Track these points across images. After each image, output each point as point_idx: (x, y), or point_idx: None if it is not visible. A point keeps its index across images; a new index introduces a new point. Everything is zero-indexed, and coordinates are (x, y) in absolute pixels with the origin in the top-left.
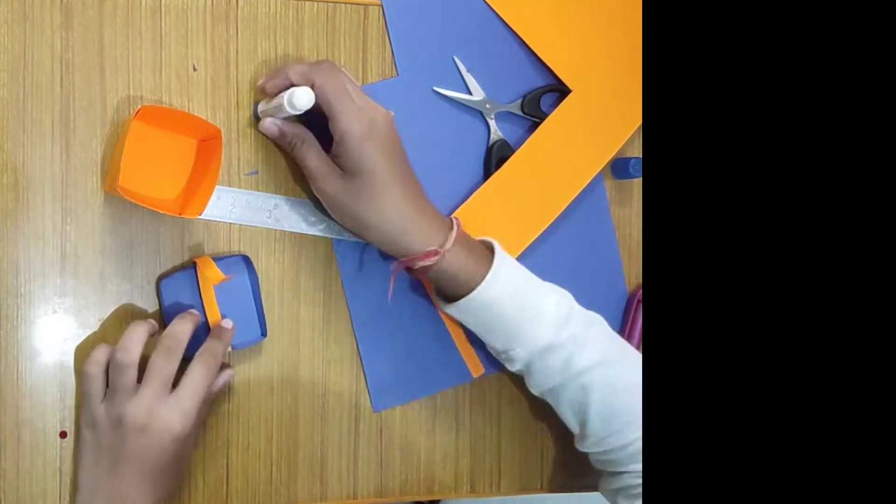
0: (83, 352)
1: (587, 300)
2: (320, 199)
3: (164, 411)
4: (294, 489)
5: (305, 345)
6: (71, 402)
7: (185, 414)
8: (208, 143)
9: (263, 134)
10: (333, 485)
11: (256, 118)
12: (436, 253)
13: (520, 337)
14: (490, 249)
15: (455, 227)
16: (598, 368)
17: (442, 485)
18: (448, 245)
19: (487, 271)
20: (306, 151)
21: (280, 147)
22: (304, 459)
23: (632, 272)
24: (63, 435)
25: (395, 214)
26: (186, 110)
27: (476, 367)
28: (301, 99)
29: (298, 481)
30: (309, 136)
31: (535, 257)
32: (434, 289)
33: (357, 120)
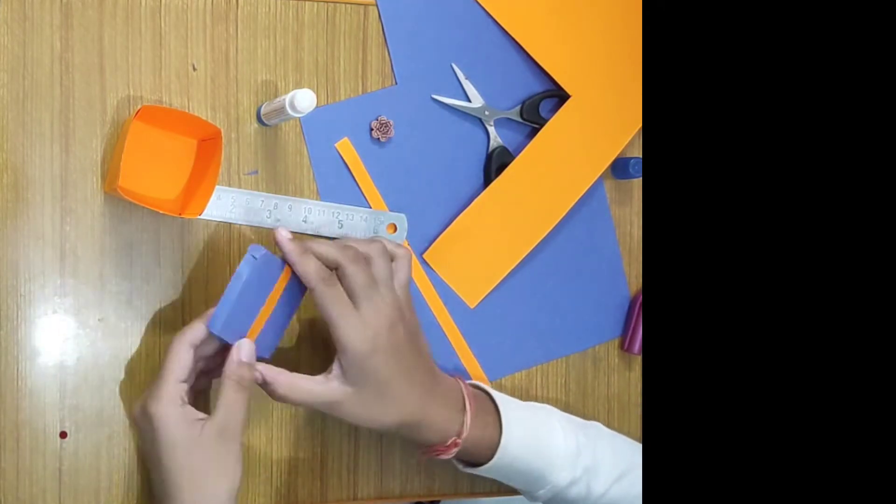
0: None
1: (588, 302)
2: (325, 410)
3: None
4: (294, 489)
5: (305, 345)
6: (71, 402)
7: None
8: (208, 143)
9: (248, 382)
10: (333, 485)
11: (259, 121)
12: (455, 445)
13: (541, 482)
14: (494, 405)
15: (468, 406)
16: (615, 486)
17: (442, 485)
18: (465, 432)
19: (498, 435)
20: (304, 385)
21: (278, 151)
22: (304, 460)
23: (632, 272)
24: (63, 435)
25: (412, 410)
26: (186, 110)
27: (482, 381)
28: (303, 101)
29: (298, 482)
30: (294, 375)
31: (536, 261)
32: None
33: (360, 336)
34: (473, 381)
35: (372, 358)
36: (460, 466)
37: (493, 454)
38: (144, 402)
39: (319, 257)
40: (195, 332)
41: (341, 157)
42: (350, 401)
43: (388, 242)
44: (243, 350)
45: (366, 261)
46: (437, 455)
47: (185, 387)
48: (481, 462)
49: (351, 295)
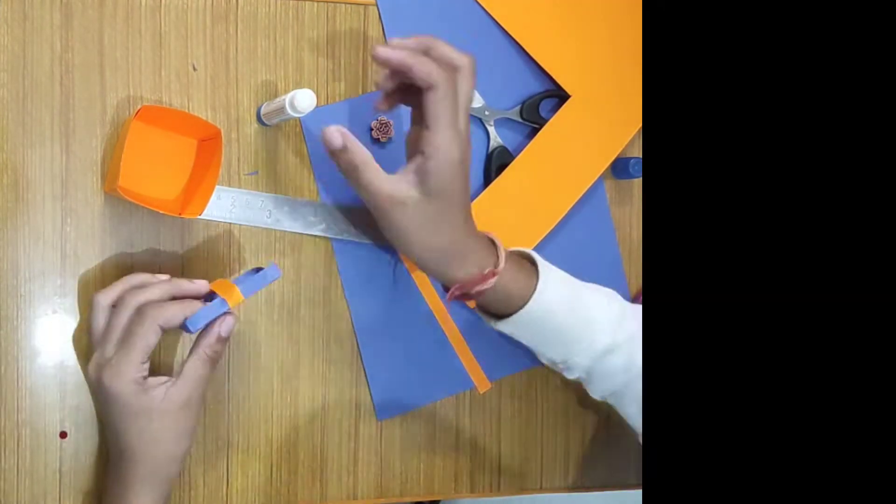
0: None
1: None
2: (386, 227)
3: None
4: (294, 490)
5: (305, 345)
6: (71, 402)
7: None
8: (208, 143)
9: (326, 144)
10: (333, 485)
11: (259, 121)
12: (493, 274)
13: (577, 344)
14: (529, 260)
15: (499, 244)
16: None
17: (442, 485)
18: (501, 264)
19: (534, 283)
20: (374, 175)
21: (278, 151)
22: (304, 460)
23: (632, 272)
24: (63, 435)
25: (457, 238)
26: (186, 110)
27: (482, 383)
28: (303, 102)
29: (298, 482)
30: (372, 160)
31: None
32: (478, 307)
33: (457, 144)
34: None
35: (457, 169)
36: (488, 321)
37: (527, 299)
38: (100, 371)
39: (442, 57)
40: (169, 317)
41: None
42: (414, 207)
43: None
44: (225, 326)
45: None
46: (473, 288)
47: (147, 364)
48: (511, 311)
49: (456, 106)
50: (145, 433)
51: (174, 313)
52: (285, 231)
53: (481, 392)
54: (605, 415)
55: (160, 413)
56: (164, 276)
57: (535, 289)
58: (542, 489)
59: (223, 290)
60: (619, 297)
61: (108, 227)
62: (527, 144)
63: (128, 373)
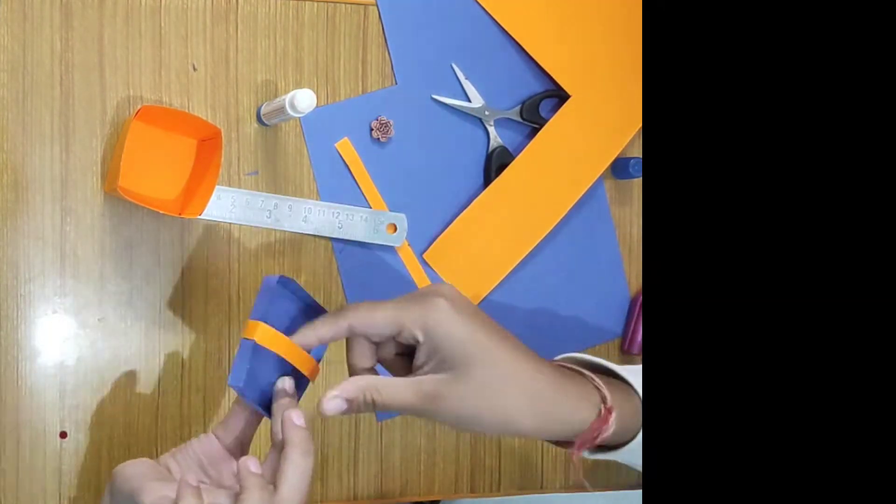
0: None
1: (588, 302)
2: (446, 423)
3: None
4: None
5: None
6: (71, 402)
7: None
8: (208, 143)
9: (327, 413)
10: (333, 485)
11: (259, 120)
12: (609, 412)
13: None
14: (611, 375)
15: (587, 372)
16: None
17: (442, 485)
18: (609, 398)
19: (637, 404)
20: (389, 395)
21: (278, 151)
22: None
23: (632, 272)
24: (63, 435)
25: (537, 391)
26: (186, 110)
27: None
28: (303, 102)
29: None
30: (376, 381)
31: (536, 260)
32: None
33: (421, 309)
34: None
35: (454, 324)
36: (600, 455)
37: (639, 427)
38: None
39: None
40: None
41: (341, 157)
42: (468, 395)
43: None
44: (294, 415)
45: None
46: (598, 433)
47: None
48: (624, 441)
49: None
50: None
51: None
52: (285, 231)
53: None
54: None
55: None
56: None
57: (640, 410)
58: (542, 489)
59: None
60: None
61: (108, 227)
62: (527, 144)
63: None
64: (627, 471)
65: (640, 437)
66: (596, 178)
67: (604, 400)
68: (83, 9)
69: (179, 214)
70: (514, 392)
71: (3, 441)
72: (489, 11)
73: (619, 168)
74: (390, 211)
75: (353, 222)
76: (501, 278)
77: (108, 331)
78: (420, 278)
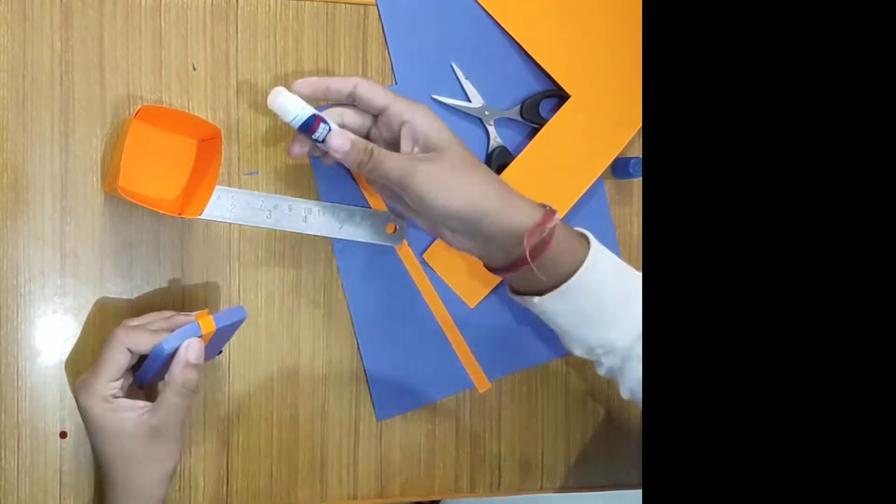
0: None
1: None
2: (415, 196)
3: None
4: (294, 490)
5: (305, 345)
6: (71, 402)
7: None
8: (208, 143)
9: (332, 148)
10: (333, 485)
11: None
12: (552, 213)
13: (622, 321)
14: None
15: (546, 205)
16: None
17: (442, 485)
18: (556, 218)
19: (587, 248)
20: (385, 154)
21: (278, 151)
22: (304, 460)
23: None
24: (63, 435)
25: (494, 184)
26: (186, 110)
27: (482, 383)
28: (275, 102)
29: (298, 482)
30: (373, 145)
31: None
32: (512, 290)
33: (410, 102)
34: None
35: (435, 119)
36: (526, 301)
37: (580, 264)
38: (76, 389)
39: (337, 90)
40: (137, 341)
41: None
42: (438, 170)
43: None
44: (191, 352)
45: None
46: (544, 229)
47: (119, 383)
48: (560, 281)
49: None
50: (120, 456)
51: (142, 338)
52: (285, 231)
53: (481, 392)
54: (605, 415)
55: (132, 437)
56: (168, 313)
57: (587, 254)
58: (542, 489)
59: (201, 318)
60: None
61: (108, 226)
62: (527, 144)
63: (95, 390)
64: (627, 471)
65: (582, 272)
66: (596, 178)
67: (546, 208)
68: (83, 9)
69: (179, 214)
70: (481, 175)
71: (4, 441)
72: (489, 11)
73: (619, 168)
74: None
75: (353, 222)
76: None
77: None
78: (420, 279)
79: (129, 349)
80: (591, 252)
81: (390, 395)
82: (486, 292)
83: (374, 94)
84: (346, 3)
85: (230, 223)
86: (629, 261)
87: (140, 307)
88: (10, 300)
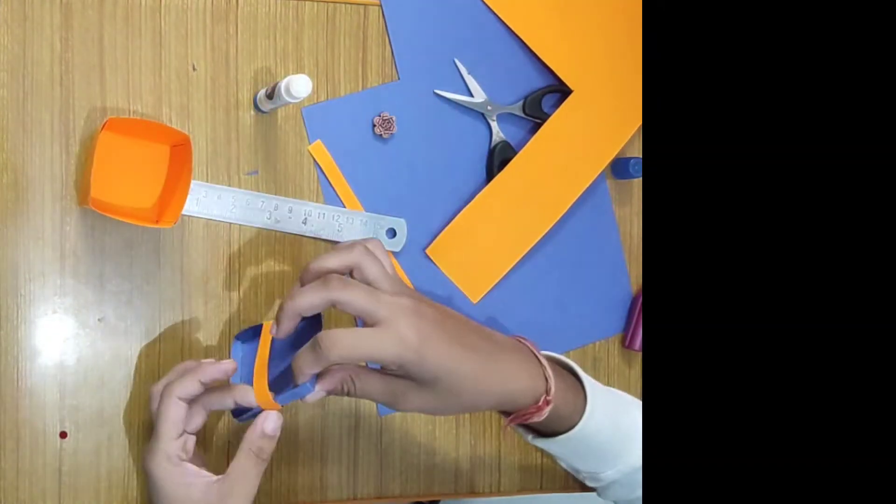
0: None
1: (590, 298)
2: (420, 409)
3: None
4: (294, 489)
5: None
6: (71, 402)
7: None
8: (181, 149)
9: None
10: (333, 485)
11: (256, 108)
12: (546, 403)
13: (616, 460)
14: (570, 371)
15: (543, 361)
16: None
17: (442, 485)
18: (552, 390)
19: (582, 403)
20: (363, 385)
21: (278, 150)
22: (304, 460)
23: (632, 272)
24: (63, 435)
25: (493, 388)
26: (186, 110)
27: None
28: (299, 87)
29: (298, 481)
30: (354, 371)
31: (539, 256)
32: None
33: (397, 348)
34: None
35: (424, 348)
36: (530, 438)
37: (577, 421)
38: (144, 454)
39: (311, 309)
40: (186, 387)
41: (314, 160)
42: (432, 398)
43: (358, 242)
44: (269, 423)
45: (353, 273)
46: (528, 418)
47: (182, 441)
48: (560, 431)
49: (363, 314)
50: None
51: (189, 384)
52: (285, 232)
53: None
54: None
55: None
56: (205, 361)
57: (584, 411)
58: (542, 489)
59: (261, 393)
60: None
61: (108, 226)
62: (529, 139)
63: (159, 449)
64: None
65: (580, 427)
66: (599, 174)
67: (547, 391)
68: (83, 9)
69: (156, 224)
70: (473, 392)
71: (4, 441)
72: (491, 6)
73: (619, 168)
74: (391, 210)
75: (353, 226)
76: (504, 273)
77: (108, 331)
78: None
79: (179, 398)
80: (587, 409)
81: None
82: (489, 287)
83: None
84: (346, 3)
85: (230, 223)
86: (629, 260)
87: (141, 308)
88: (10, 300)
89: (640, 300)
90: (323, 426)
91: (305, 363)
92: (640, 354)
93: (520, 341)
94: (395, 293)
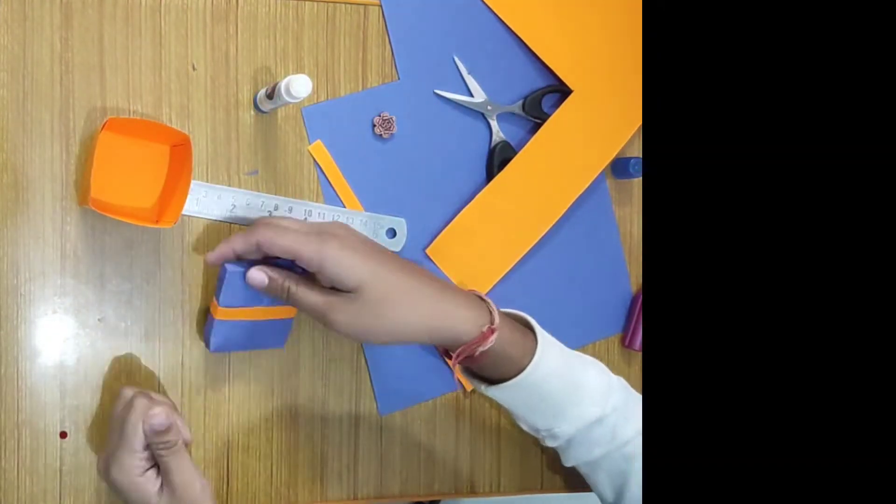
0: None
1: (590, 297)
2: (341, 333)
3: None
4: (294, 489)
5: (305, 344)
6: (71, 402)
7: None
8: (181, 148)
9: (251, 284)
10: (333, 485)
11: (256, 108)
12: (491, 332)
13: (567, 413)
14: (524, 324)
15: (488, 300)
16: (640, 435)
17: (442, 485)
18: (496, 320)
19: (532, 347)
20: (302, 292)
21: (278, 150)
22: (304, 460)
23: (632, 272)
24: (63, 435)
25: (425, 307)
26: (186, 110)
27: (468, 383)
28: (299, 87)
29: (298, 482)
30: (298, 277)
31: (539, 255)
32: (464, 370)
33: (317, 244)
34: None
35: (343, 257)
36: (483, 388)
37: (525, 366)
38: (108, 465)
39: (242, 248)
40: (155, 413)
41: (315, 160)
42: (359, 311)
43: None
44: (156, 421)
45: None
46: (475, 349)
47: (147, 453)
48: (507, 376)
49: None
50: None
51: (155, 409)
52: None
53: (468, 391)
54: None
55: (160, 498)
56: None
57: (534, 353)
58: (542, 489)
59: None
60: (607, 370)
61: (108, 226)
62: (529, 139)
63: (129, 465)
64: None
65: (528, 372)
66: (599, 173)
67: (491, 322)
68: (83, 9)
69: (156, 224)
70: (402, 310)
71: (4, 441)
72: (491, 6)
73: (619, 168)
74: (392, 210)
75: (352, 225)
76: (504, 272)
77: (108, 331)
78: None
79: (144, 420)
80: (538, 351)
81: (393, 390)
82: (490, 287)
83: (275, 247)
84: (346, 3)
85: (231, 223)
86: (629, 260)
87: (141, 308)
88: (10, 300)
89: (640, 300)
90: (323, 426)
91: (236, 241)
92: (639, 354)
93: (473, 291)
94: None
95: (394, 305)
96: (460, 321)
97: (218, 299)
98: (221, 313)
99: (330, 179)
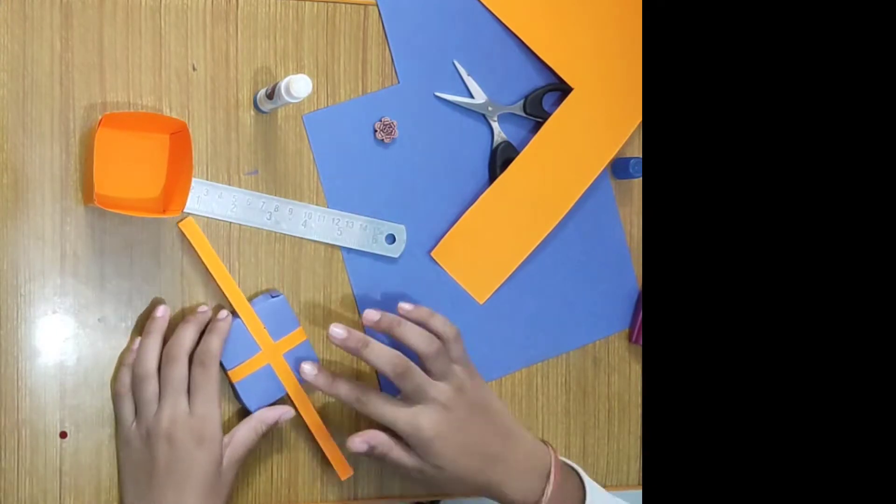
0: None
1: (596, 294)
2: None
3: (184, 418)
4: (294, 489)
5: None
6: (71, 402)
7: (204, 418)
8: (180, 135)
9: (354, 451)
10: (333, 485)
11: (256, 108)
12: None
13: None
14: (579, 479)
15: (552, 476)
16: None
17: None
18: (546, 498)
19: (580, 497)
20: (398, 455)
21: (278, 151)
22: (305, 460)
23: (637, 268)
24: (63, 435)
25: (478, 481)
26: (186, 110)
27: (343, 470)
28: (299, 87)
29: (299, 481)
30: (393, 442)
31: (544, 254)
32: None
33: (417, 418)
34: (565, 459)
35: (433, 442)
36: None
37: None
38: (184, 433)
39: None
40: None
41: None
42: (432, 476)
43: (440, 319)
44: (285, 416)
45: (440, 348)
46: None
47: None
48: None
49: (400, 387)
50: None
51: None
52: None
53: (343, 479)
54: (605, 415)
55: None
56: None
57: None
58: None
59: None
60: None
61: (108, 226)
62: (531, 139)
63: (219, 454)
64: (627, 471)
65: None
66: (602, 170)
67: (541, 492)
68: (83, 9)
69: (163, 214)
70: (455, 483)
71: (4, 441)
72: (489, 7)
73: (619, 168)
74: (392, 217)
75: (352, 230)
76: (510, 272)
77: (108, 331)
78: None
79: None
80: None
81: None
82: (496, 288)
83: (378, 417)
84: (346, 3)
85: (230, 223)
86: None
87: (141, 308)
88: (10, 300)
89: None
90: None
91: (326, 380)
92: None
93: (548, 449)
94: (441, 376)
95: (455, 485)
96: (514, 492)
97: (224, 365)
98: (234, 375)
99: (202, 258)
